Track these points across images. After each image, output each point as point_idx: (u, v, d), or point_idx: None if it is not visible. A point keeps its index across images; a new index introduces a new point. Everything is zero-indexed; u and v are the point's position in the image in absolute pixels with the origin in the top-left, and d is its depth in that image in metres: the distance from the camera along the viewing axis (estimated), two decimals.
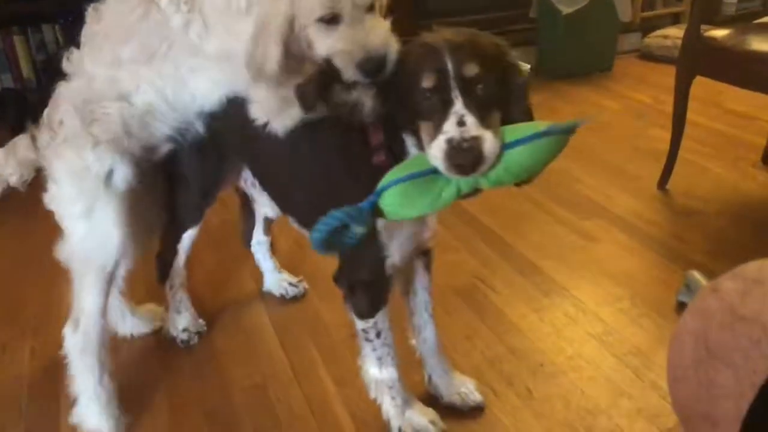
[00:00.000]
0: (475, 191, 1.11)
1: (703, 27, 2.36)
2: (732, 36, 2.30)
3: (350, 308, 1.38)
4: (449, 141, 1.03)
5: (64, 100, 1.44)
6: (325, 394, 1.63)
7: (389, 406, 1.45)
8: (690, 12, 3.02)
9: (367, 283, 1.35)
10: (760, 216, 2.36)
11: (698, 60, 2.35)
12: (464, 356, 1.70)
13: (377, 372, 1.42)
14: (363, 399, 1.51)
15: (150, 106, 1.41)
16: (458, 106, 1.05)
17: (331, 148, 1.30)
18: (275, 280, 2.01)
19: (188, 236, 1.73)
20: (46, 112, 1.49)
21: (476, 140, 1.02)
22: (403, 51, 1.16)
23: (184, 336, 1.82)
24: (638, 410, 1.51)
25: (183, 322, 1.83)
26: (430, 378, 1.57)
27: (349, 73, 1.14)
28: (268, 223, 1.97)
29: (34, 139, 1.51)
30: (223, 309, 1.98)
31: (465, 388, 1.55)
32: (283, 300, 1.99)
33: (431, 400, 1.55)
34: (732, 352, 0.66)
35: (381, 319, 1.37)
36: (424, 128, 1.10)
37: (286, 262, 2.06)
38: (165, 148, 1.52)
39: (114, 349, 1.74)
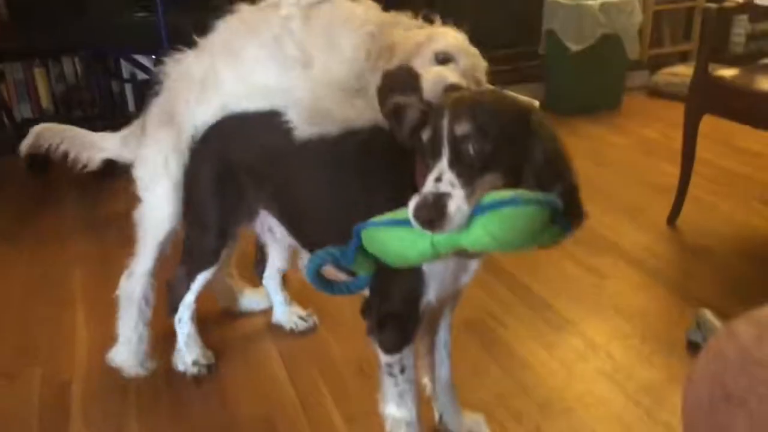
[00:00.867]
0: (467, 253, 1.07)
1: (711, 65, 2.39)
2: (740, 75, 2.33)
3: (375, 341, 1.34)
4: (420, 194, 1.01)
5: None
6: (333, 429, 1.62)
7: None
8: (698, 50, 3.06)
9: (398, 317, 1.31)
10: None
11: (707, 99, 2.37)
12: (473, 392, 1.69)
13: (395, 409, 1.38)
14: None
15: None
16: (442, 162, 1.03)
17: (376, 174, 1.30)
18: (285, 312, 2.01)
19: (203, 277, 1.71)
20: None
21: (442, 197, 0.99)
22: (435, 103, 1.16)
23: (194, 370, 1.80)
24: None
25: (192, 355, 1.81)
26: (441, 417, 1.56)
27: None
28: (281, 273, 1.98)
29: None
30: (232, 340, 1.98)
31: (476, 426, 1.54)
32: (293, 333, 1.99)
33: None
34: (747, 396, 0.66)
35: (407, 354, 1.34)
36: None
37: (297, 295, 2.06)
38: None
39: (123, 387, 1.76)
